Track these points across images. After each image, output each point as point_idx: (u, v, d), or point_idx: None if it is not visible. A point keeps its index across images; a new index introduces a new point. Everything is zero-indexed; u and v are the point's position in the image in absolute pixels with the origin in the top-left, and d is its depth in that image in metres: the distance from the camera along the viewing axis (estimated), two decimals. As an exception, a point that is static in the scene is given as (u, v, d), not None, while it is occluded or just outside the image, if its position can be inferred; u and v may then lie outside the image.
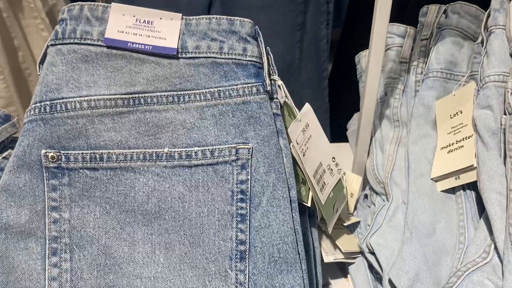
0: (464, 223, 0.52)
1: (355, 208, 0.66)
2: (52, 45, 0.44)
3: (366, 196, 0.66)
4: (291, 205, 0.44)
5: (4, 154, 0.51)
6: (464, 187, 0.54)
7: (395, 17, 0.69)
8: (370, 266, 0.58)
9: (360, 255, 0.60)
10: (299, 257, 0.43)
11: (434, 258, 0.49)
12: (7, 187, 0.41)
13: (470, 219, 0.52)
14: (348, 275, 0.60)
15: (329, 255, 0.57)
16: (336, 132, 1.03)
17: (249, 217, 0.43)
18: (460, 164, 0.52)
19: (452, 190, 0.54)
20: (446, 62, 0.61)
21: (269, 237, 0.42)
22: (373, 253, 0.55)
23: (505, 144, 0.48)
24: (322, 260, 0.57)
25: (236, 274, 0.41)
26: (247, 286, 0.41)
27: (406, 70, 0.68)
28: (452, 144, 0.55)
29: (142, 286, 0.40)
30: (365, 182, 0.68)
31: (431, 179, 0.55)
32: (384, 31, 0.56)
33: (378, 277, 0.57)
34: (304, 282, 0.42)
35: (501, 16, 0.53)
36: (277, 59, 1.15)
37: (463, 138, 0.54)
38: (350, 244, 0.59)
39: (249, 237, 0.42)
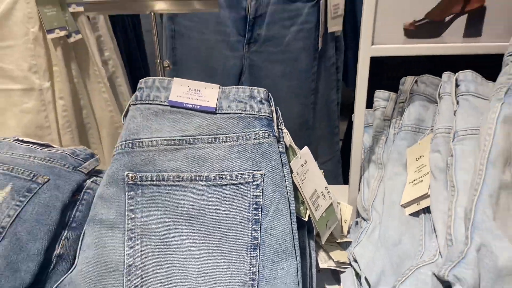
0: (422, 237, 0.69)
1: (348, 232, 0.84)
2: (133, 104, 0.67)
3: (357, 222, 0.84)
4: (290, 215, 0.63)
5: (92, 179, 0.73)
6: (424, 210, 0.71)
7: (384, 85, 0.91)
8: (357, 274, 0.75)
9: (350, 266, 0.77)
10: (295, 251, 0.61)
11: (398, 261, 0.67)
12: (102, 195, 0.62)
13: (427, 234, 0.69)
14: (341, 283, 0.77)
15: (324, 263, 0.75)
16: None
17: (260, 221, 0.62)
18: (420, 192, 0.70)
19: (416, 214, 0.72)
20: (415, 119, 0.81)
21: (274, 236, 0.61)
22: (356, 261, 0.73)
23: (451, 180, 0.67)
24: (318, 267, 0.74)
25: (251, 260, 0.60)
26: (257, 268, 0.60)
27: (388, 125, 0.87)
28: (416, 179, 0.73)
29: (187, 264, 0.60)
30: (358, 213, 0.86)
31: (401, 205, 0.73)
32: (363, 102, 0.77)
33: (359, 281, 0.73)
34: (297, 267, 0.60)
35: (448, 86, 0.73)
36: (295, 117, 1.38)
37: (423, 175, 0.72)
38: (341, 256, 0.76)
39: (260, 235, 0.61)
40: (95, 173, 0.77)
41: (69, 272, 0.58)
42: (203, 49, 1.22)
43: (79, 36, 1.37)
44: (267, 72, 1.24)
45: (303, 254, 0.68)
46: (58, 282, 0.56)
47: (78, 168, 0.73)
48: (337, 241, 0.79)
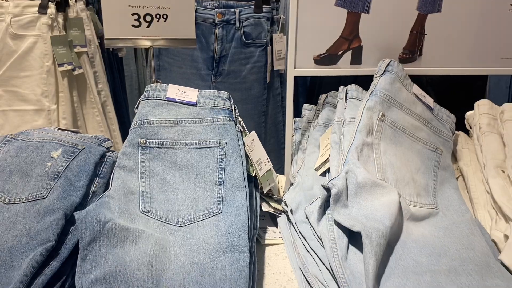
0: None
1: (283, 196, 1.22)
2: (142, 100, 1.06)
3: (289, 189, 1.23)
4: (243, 167, 1.02)
5: (110, 152, 1.09)
6: (328, 170, 1.11)
7: (311, 97, 1.33)
8: (288, 218, 1.13)
9: (283, 213, 1.15)
10: (245, 187, 0.99)
11: (310, 198, 1.05)
12: (124, 152, 0.99)
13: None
14: (278, 225, 1.15)
15: (266, 208, 1.13)
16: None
17: (224, 168, 1.00)
18: (325, 158, 1.11)
19: (324, 174, 1.12)
20: (325, 119, 1.23)
21: (232, 177, 0.99)
22: (286, 205, 1.11)
23: (340, 147, 1.08)
24: (261, 210, 1.12)
25: (218, 190, 0.97)
26: (222, 195, 0.97)
27: (310, 126, 1.29)
28: (324, 152, 1.14)
29: (178, 192, 0.96)
30: (291, 185, 1.25)
31: (314, 169, 1.13)
32: (290, 106, 1.19)
33: (290, 221, 1.11)
34: (247, 196, 0.98)
35: (342, 94, 1.16)
36: (249, 132, 1.76)
37: (328, 149, 1.13)
38: (277, 205, 1.15)
39: (224, 176, 0.99)
40: (111, 150, 1.14)
41: (107, 191, 0.93)
42: (181, 80, 1.63)
43: (81, 70, 1.76)
44: (228, 97, 1.65)
45: (251, 197, 1.05)
46: (100, 196, 0.92)
47: (102, 144, 1.10)
48: (275, 198, 1.18)
